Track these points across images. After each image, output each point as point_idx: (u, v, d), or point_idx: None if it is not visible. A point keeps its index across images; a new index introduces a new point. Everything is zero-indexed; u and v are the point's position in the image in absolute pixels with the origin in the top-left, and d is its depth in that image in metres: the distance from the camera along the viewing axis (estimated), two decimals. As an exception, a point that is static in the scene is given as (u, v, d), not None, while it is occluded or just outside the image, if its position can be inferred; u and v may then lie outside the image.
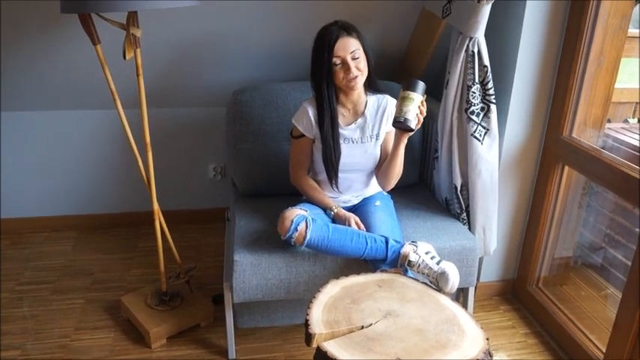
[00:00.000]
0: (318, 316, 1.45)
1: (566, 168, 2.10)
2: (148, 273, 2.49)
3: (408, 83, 1.67)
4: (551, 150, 2.10)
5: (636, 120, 2.55)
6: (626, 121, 2.54)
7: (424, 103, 1.69)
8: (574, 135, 2.04)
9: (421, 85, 1.67)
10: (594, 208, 2.41)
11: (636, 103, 2.51)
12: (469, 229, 2.10)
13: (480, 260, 2.26)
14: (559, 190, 2.14)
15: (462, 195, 2.09)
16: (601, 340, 2.01)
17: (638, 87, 2.45)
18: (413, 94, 1.65)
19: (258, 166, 2.22)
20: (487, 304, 2.36)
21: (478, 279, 2.26)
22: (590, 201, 2.37)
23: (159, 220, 2.04)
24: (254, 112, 2.21)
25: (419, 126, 1.70)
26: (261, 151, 2.21)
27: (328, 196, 1.95)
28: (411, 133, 1.74)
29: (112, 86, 1.79)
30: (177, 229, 2.85)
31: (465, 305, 2.06)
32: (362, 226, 1.82)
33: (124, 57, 1.72)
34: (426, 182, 2.45)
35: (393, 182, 1.89)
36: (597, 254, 2.44)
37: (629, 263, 2.26)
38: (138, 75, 1.80)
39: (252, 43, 2.39)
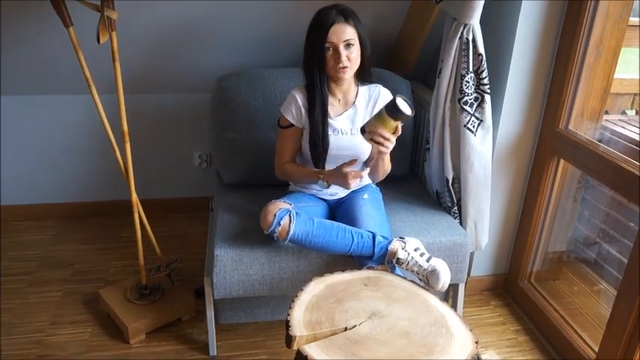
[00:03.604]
0: (299, 316, 1.38)
1: (562, 161, 2.03)
2: (130, 264, 2.41)
3: (392, 107, 1.49)
4: (547, 143, 2.03)
5: (634, 112, 2.47)
6: (623, 112, 2.46)
7: (399, 128, 1.55)
8: (571, 128, 1.96)
9: (405, 115, 1.49)
10: (589, 202, 2.34)
11: (635, 94, 2.43)
12: (460, 223, 2.04)
13: (471, 254, 2.20)
14: (554, 183, 2.08)
15: (453, 188, 2.02)
16: (593, 338, 1.96)
17: (638, 77, 2.37)
18: (392, 122, 1.51)
19: (243, 156, 2.14)
20: (477, 299, 2.30)
21: (469, 273, 2.20)
22: (585, 195, 2.30)
23: (138, 211, 1.95)
24: (239, 100, 2.12)
25: (375, 150, 1.62)
26: (246, 140, 2.13)
27: (315, 188, 1.88)
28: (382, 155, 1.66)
29: (87, 72, 1.70)
30: (162, 218, 2.78)
31: (454, 302, 2.00)
32: (361, 174, 1.70)
33: (98, 41, 1.62)
34: (417, 174, 2.38)
35: (381, 177, 1.83)
36: (591, 249, 2.39)
37: (624, 259, 2.21)
38: (114, 60, 1.71)
39: (239, 27, 2.29)
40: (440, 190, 2.10)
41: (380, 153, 1.63)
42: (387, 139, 1.54)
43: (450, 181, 2.01)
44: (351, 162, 1.69)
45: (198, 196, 2.83)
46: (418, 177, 2.37)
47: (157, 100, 2.67)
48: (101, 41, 1.63)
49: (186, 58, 2.44)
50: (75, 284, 2.28)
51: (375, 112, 1.78)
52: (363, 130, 1.57)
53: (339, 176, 1.71)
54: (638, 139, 2.09)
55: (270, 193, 1.90)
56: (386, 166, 1.77)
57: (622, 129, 2.19)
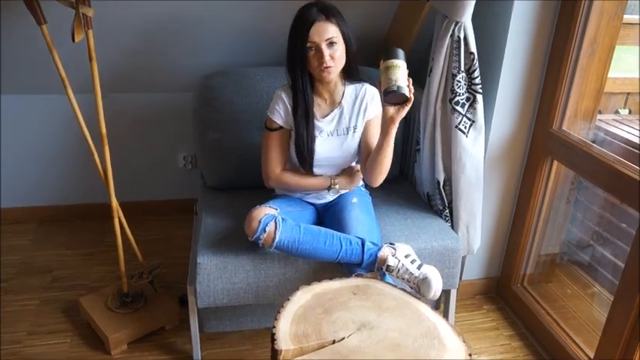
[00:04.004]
0: (285, 328, 1.32)
1: (555, 163, 1.98)
2: (113, 270, 2.33)
3: (388, 52, 1.47)
4: (540, 144, 1.98)
5: (627, 111, 2.43)
6: (617, 112, 2.42)
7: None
8: (564, 128, 1.91)
9: (402, 53, 1.48)
10: (583, 204, 2.30)
11: (628, 93, 2.39)
12: (452, 226, 1.98)
13: (463, 258, 2.15)
14: (547, 185, 2.03)
15: (444, 190, 1.96)
16: (587, 342, 1.92)
17: (631, 77, 2.32)
18: (397, 62, 1.45)
19: (228, 157, 2.07)
20: (470, 304, 2.25)
21: (460, 277, 2.15)
22: (578, 196, 2.26)
23: (118, 216, 1.88)
24: (224, 100, 2.05)
25: (412, 98, 1.49)
26: (231, 141, 2.06)
27: (298, 194, 1.81)
28: (407, 107, 1.50)
29: (62, 72, 1.62)
30: (146, 222, 2.71)
31: (446, 308, 1.95)
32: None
33: (73, 39, 1.54)
34: (407, 175, 2.32)
35: (382, 176, 1.70)
36: (584, 251, 2.34)
37: (617, 261, 2.17)
38: (91, 59, 1.63)
39: (223, 24, 2.21)
40: (431, 192, 2.04)
41: (402, 109, 1.51)
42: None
43: (441, 184, 1.95)
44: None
45: (182, 198, 2.76)
46: (408, 178, 2.31)
47: (139, 99, 2.59)
48: (76, 40, 1.55)
49: (169, 57, 2.36)
50: (54, 292, 2.20)
51: (362, 112, 1.73)
52: (387, 91, 1.45)
53: (353, 179, 1.73)
54: (632, 139, 2.04)
55: (256, 196, 1.84)
56: (388, 159, 1.65)
57: (616, 129, 2.14)
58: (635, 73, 2.32)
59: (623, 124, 2.19)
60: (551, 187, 2.04)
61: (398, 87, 1.44)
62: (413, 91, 1.48)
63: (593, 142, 1.92)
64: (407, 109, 1.51)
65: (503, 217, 2.17)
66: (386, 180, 2.11)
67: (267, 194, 1.88)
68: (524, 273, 2.21)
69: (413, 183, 2.23)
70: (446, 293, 1.94)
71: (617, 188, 1.67)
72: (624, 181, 1.60)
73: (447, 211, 1.98)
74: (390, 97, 1.46)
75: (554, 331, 1.98)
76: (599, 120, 2.05)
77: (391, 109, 1.51)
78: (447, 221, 1.98)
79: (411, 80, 1.48)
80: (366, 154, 1.74)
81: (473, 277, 2.27)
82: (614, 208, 2.17)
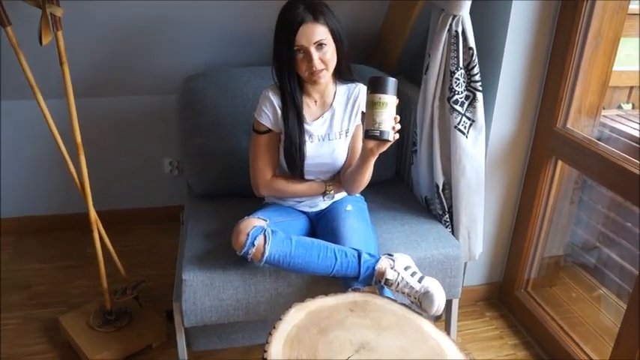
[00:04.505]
0: (278, 351, 1.22)
1: (560, 162, 1.88)
2: (95, 284, 2.18)
3: (376, 83, 1.34)
4: (543, 143, 1.88)
5: (630, 106, 2.34)
6: (619, 107, 2.33)
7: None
8: (569, 126, 1.81)
9: (392, 84, 1.34)
10: (587, 204, 2.20)
11: (631, 87, 2.29)
12: (452, 232, 1.88)
13: (464, 264, 2.05)
14: (551, 186, 1.93)
15: (444, 194, 1.86)
16: (596, 350, 1.83)
17: (635, 69, 2.23)
18: (385, 98, 1.33)
19: (214, 163, 1.96)
20: (472, 311, 2.15)
21: (462, 284, 2.05)
22: (582, 196, 2.16)
23: (98, 230, 1.76)
24: (208, 102, 1.94)
25: (397, 137, 1.39)
26: (217, 147, 1.94)
27: (289, 202, 1.70)
28: (387, 146, 1.41)
29: (30, 76, 1.49)
30: (130, 231, 2.59)
31: (448, 319, 1.85)
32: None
33: (40, 42, 1.42)
34: (403, 177, 2.21)
35: (361, 189, 1.62)
36: (589, 253, 2.25)
37: (625, 263, 2.08)
38: (61, 63, 1.51)
39: (207, 22, 2.10)
40: (429, 196, 1.94)
41: (378, 149, 1.41)
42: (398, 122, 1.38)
43: (441, 187, 1.85)
44: None
45: (169, 206, 2.63)
46: (404, 180, 2.20)
47: (122, 102, 2.46)
48: (44, 42, 1.42)
49: (151, 58, 2.24)
50: (34, 309, 2.08)
51: (354, 115, 1.62)
52: (369, 134, 1.36)
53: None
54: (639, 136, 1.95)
55: (245, 204, 1.74)
56: (366, 178, 1.57)
57: (622, 125, 2.05)
58: (637, 66, 2.23)
59: (628, 119, 2.10)
60: (555, 187, 1.94)
61: (381, 132, 1.35)
62: (398, 129, 1.38)
63: (598, 139, 1.83)
64: (387, 146, 1.41)
65: (505, 220, 2.07)
66: (381, 182, 2.02)
67: (256, 201, 1.78)
68: (528, 278, 2.12)
69: (409, 185, 2.12)
70: (447, 303, 1.84)
71: (627, 189, 1.57)
72: (634, 180, 1.51)
73: (447, 216, 1.88)
74: (371, 138, 1.37)
75: (561, 338, 1.89)
76: (603, 116, 1.95)
77: (371, 143, 1.41)
78: (446, 227, 1.87)
79: (398, 118, 1.38)
80: (348, 162, 1.64)
81: (474, 283, 2.17)
82: (620, 208, 2.08)
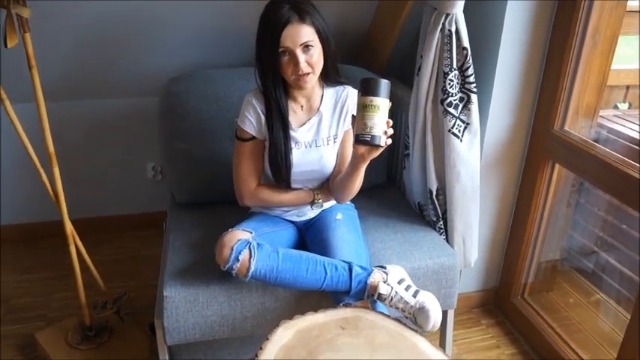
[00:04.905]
0: (264, 377, 1.14)
1: (557, 166, 1.81)
2: (75, 296, 2.04)
3: (367, 85, 1.26)
4: (540, 145, 1.81)
5: (627, 105, 2.28)
6: (615, 107, 2.26)
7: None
8: (567, 128, 1.74)
9: (385, 86, 1.26)
10: (584, 207, 2.14)
11: (627, 86, 2.23)
12: (446, 239, 1.81)
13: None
14: (548, 190, 1.86)
15: (438, 200, 1.79)
16: (595, 357, 1.77)
17: (631, 68, 2.16)
18: (377, 100, 1.25)
19: (198, 170, 1.87)
20: (467, 319, 2.09)
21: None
22: (579, 199, 2.10)
23: (74, 244, 1.67)
24: (191, 106, 1.85)
25: (389, 142, 1.31)
26: (200, 152, 1.86)
27: (276, 211, 1.62)
28: (379, 152, 1.34)
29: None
30: (112, 239, 2.50)
31: (443, 330, 1.77)
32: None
33: (5, 44, 1.32)
34: (395, 181, 2.14)
35: (350, 197, 1.54)
36: (586, 257, 2.19)
37: (623, 268, 2.02)
38: (30, 67, 1.41)
39: (189, 22, 2.01)
40: (422, 202, 1.86)
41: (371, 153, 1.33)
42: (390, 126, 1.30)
43: (434, 193, 1.78)
44: None
45: (152, 212, 2.54)
46: (396, 184, 2.13)
47: (101, 105, 2.37)
48: (9, 45, 1.33)
49: (131, 59, 2.15)
50: (10, 324, 1.98)
51: (342, 119, 1.54)
52: (359, 139, 1.28)
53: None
54: (637, 137, 1.89)
55: (230, 212, 1.66)
56: (357, 186, 1.49)
57: (620, 126, 1.98)
58: (634, 64, 2.17)
59: (625, 120, 2.03)
60: (552, 191, 1.87)
61: (372, 137, 1.26)
62: (390, 134, 1.30)
63: (595, 141, 1.77)
64: (379, 152, 1.33)
65: (500, 225, 2.00)
66: (372, 187, 1.94)
67: (242, 210, 1.69)
68: (525, 284, 2.05)
69: (402, 189, 2.05)
70: (442, 314, 1.76)
71: (627, 194, 1.51)
72: (635, 185, 1.44)
73: (441, 222, 1.80)
74: (362, 143, 1.29)
75: (560, 347, 1.83)
76: (600, 117, 1.88)
77: (362, 148, 1.33)
78: (441, 234, 1.80)
79: (390, 123, 1.29)
80: (337, 169, 1.56)
81: (469, 290, 2.11)
82: (618, 211, 2.02)
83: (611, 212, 2.04)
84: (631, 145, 1.86)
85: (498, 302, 2.13)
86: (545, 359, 1.88)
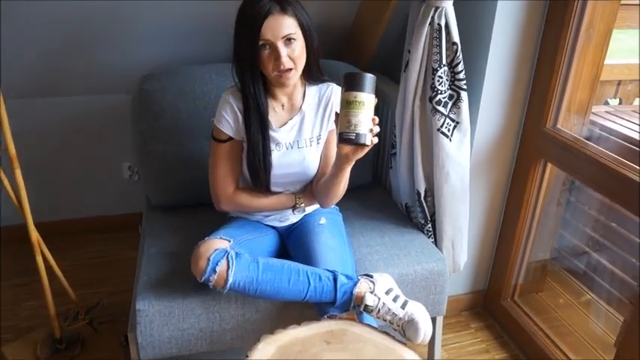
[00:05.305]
0: (244, 399, 1.06)
1: (549, 166, 1.75)
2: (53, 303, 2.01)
3: (351, 80, 1.18)
4: (531, 144, 1.74)
5: (618, 101, 2.22)
6: (606, 103, 2.20)
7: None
8: (559, 126, 1.68)
9: (370, 80, 1.18)
10: (575, 206, 2.09)
11: (619, 81, 2.17)
12: (435, 242, 1.74)
13: (447, 274, 1.91)
14: (539, 190, 1.80)
15: (426, 202, 1.71)
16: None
17: (624, 63, 2.10)
18: (361, 96, 1.17)
19: (174, 171, 1.78)
20: (455, 322, 2.02)
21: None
22: (570, 197, 2.04)
23: (40, 252, 1.56)
24: (166, 104, 1.75)
25: (375, 141, 1.22)
26: (176, 153, 1.76)
27: (257, 216, 1.54)
28: (365, 152, 1.25)
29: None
30: (86, 242, 2.39)
31: (432, 337, 1.70)
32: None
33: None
34: (381, 181, 2.06)
35: (335, 201, 1.45)
36: (577, 257, 2.14)
37: (614, 268, 1.98)
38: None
39: (164, 15, 1.90)
40: (410, 203, 1.79)
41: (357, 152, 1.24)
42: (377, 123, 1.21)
43: (422, 195, 1.70)
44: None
45: (129, 213, 2.44)
46: (382, 184, 2.05)
47: (73, 102, 2.25)
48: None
49: (104, 54, 2.04)
50: (-24, 336, 1.87)
51: (326, 119, 1.45)
52: (343, 137, 1.18)
53: None
54: (632, 135, 1.83)
55: (209, 217, 1.58)
56: (342, 189, 1.40)
57: (612, 123, 1.92)
58: (627, 58, 2.11)
59: (618, 116, 1.97)
60: (544, 192, 1.81)
61: (357, 135, 1.17)
62: (376, 132, 1.21)
63: (588, 139, 1.70)
64: (365, 151, 1.24)
65: (490, 226, 1.94)
66: (357, 187, 1.86)
67: (221, 213, 1.60)
68: (515, 286, 2.00)
69: (388, 188, 1.98)
70: (431, 321, 1.70)
71: (623, 195, 1.45)
72: (632, 187, 1.38)
73: (430, 225, 1.73)
74: (346, 142, 1.20)
75: (551, 351, 1.78)
76: (592, 113, 1.82)
77: (346, 148, 1.24)
78: (429, 237, 1.73)
79: (376, 120, 1.20)
80: (320, 172, 1.47)
81: (458, 292, 2.04)
82: (609, 210, 1.96)
83: (602, 211, 1.98)
84: (624, 143, 1.80)
85: (488, 305, 2.07)
86: (537, 364, 1.82)
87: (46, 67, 2.04)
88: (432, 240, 1.73)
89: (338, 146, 1.26)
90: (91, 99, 2.26)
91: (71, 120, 2.28)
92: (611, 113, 2.02)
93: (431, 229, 1.74)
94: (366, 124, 1.18)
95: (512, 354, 1.88)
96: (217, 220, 1.58)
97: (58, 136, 2.28)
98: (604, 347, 1.87)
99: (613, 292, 1.99)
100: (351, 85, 1.18)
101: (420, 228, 1.75)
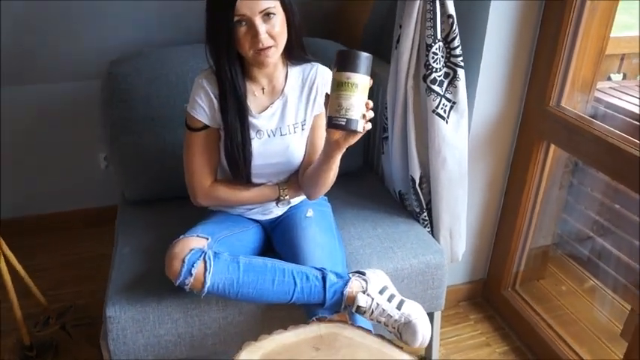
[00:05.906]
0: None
1: (553, 147, 1.63)
2: (22, 306, 1.88)
3: (344, 59, 1.05)
4: (533, 125, 1.62)
5: (622, 76, 2.10)
6: (609, 78, 2.08)
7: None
8: (563, 105, 1.56)
9: (365, 60, 1.06)
10: (578, 189, 1.98)
11: (623, 55, 2.05)
12: (431, 232, 1.62)
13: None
14: (542, 174, 1.69)
15: (421, 189, 1.60)
16: (593, 352, 1.65)
17: (629, 35, 1.98)
18: (355, 77, 1.04)
19: (148, 163, 1.65)
20: (454, 314, 1.92)
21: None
22: (573, 180, 1.93)
23: (3, 256, 1.43)
24: (138, 91, 1.62)
25: (368, 127, 1.10)
26: (150, 144, 1.64)
27: (238, 209, 1.41)
28: (356, 139, 1.13)
29: None
30: (62, 237, 2.27)
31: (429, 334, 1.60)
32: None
33: None
34: (373, 166, 1.94)
35: (323, 192, 1.33)
36: (580, 242, 2.04)
37: (619, 253, 1.88)
38: None
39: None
40: (404, 191, 1.67)
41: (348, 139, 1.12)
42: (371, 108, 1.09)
43: (417, 182, 1.58)
44: None
45: (106, 206, 2.30)
46: (373, 169, 1.93)
47: (42, 90, 2.10)
48: None
49: (70, 37, 1.92)
50: (-58, 343, 1.75)
51: (311, 103, 1.32)
52: (333, 122, 1.07)
53: None
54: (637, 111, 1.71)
55: (186, 210, 1.45)
56: (331, 178, 1.28)
57: (617, 100, 1.80)
58: (631, 31, 1.98)
59: (623, 92, 1.85)
60: (546, 175, 1.70)
61: (347, 121, 1.05)
62: (370, 117, 1.08)
63: (593, 117, 1.59)
64: (357, 138, 1.11)
65: (489, 213, 1.82)
66: (347, 174, 1.73)
67: (200, 207, 1.47)
68: (516, 274, 1.89)
69: (380, 174, 1.86)
70: (429, 316, 1.59)
71: (631, 176, 1.34)
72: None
73: (425, 213, 1.62)
74: (336, 127, 1.07)
75: (554, 342, 1.68)
76: (597, 90, 1.70)
77: (336, 134, 1.11)
78: (425, 226, 1.62)
79: (370, 104, 1.08)
80: (307, 161, 1.34)
81: (456, 282, 1.94)
82: (615, 193, 1.85)
83: (608, 194, 1.87)
84: (632, 120, 1.69)
85: (487, 295, 1.97)
86: (539, 356, 1.73)
87: (8, 54, 1.89)
88: (428, 229, 1.62)
89: (327, 131, 1.13)
90: (60, 87, 2.11)
91: (40, 110, 2.13)
92: (616, 89, 1.90)
93: (427, 217, 1.62)
94: (358, 108, 1.06)
95: (513, 347, 1.78)
96: (196, 214, 1.45)
97: (28, 128, 2.14)
98: (610, 337, 1.78)
99: (619, 279, 1.89)
100: (343, 64, 1.05)
101: (415, 217, 1.64)
